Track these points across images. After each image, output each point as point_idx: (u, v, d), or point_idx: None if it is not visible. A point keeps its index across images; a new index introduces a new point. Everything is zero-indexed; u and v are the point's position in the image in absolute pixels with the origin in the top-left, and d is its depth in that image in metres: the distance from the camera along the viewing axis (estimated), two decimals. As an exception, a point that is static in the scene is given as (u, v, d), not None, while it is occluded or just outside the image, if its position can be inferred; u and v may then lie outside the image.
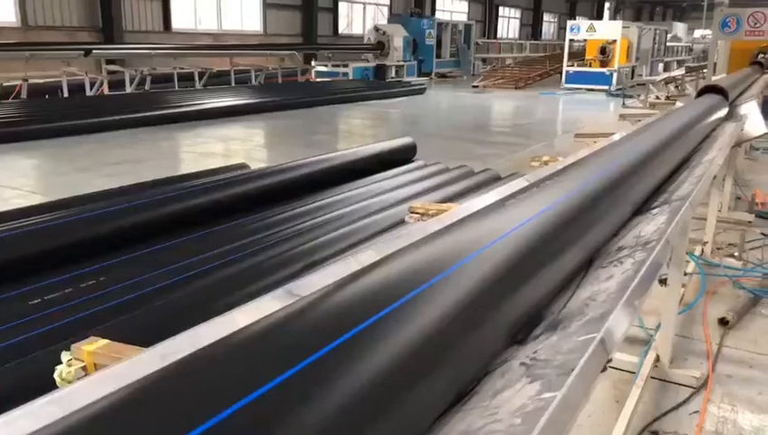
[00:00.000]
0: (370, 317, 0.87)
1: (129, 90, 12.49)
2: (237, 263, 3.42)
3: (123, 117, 10.10)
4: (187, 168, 7.15)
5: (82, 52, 12.46)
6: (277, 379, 0.73)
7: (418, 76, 22.06)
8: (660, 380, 2.84)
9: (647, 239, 1.53)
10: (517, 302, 1.14)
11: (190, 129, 10.31)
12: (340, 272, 1.21)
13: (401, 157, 5.79)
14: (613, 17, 40.72)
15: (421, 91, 17.69)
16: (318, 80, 18.62)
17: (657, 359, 2.86)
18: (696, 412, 2.63)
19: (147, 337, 2.31)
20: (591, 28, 20.90)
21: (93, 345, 1.75)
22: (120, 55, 14.38)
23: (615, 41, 20.21)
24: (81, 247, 3.22)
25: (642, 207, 2.02)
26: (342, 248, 3.64)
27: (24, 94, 10.94)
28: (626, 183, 1.95)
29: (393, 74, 21.07)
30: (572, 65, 20.87)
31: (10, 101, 10.60)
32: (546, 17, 40.88)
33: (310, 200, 4.61)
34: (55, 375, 1.72)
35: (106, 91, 12.29)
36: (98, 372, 0.91)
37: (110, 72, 12.91)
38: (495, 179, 5.32)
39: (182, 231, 3.84)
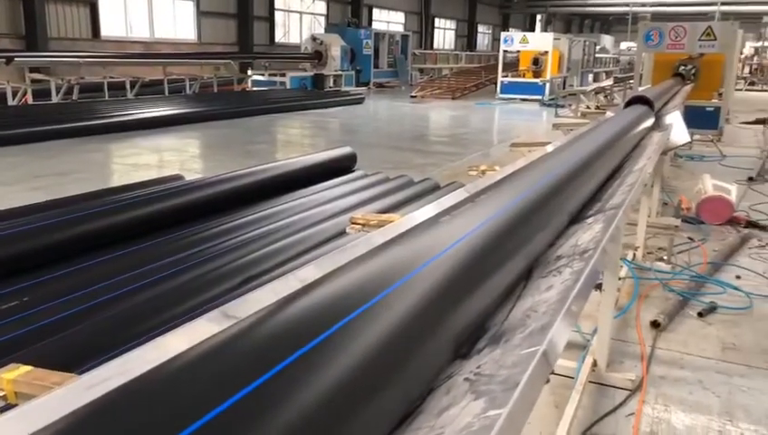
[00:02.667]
0: (312, 339, 0.84)
1: (55, 99, 11.97)
2: (172, 279, 3.31)
3: (49, 128, 9.68)
4: (118, 180, 6.91)
5: (4, 60, 11.87)
6: (215, 410, 0.69)
7: (357, 86, 22.12)
8: (598, 383, 2.91)
9: (584, 248, 1.56)
10: (461, 315, 1.13)
11: (122, 140, 9.98)
12: (280, 290, 1.18)
13: (341, 166, 5.77)
14: (544, 29, 42.01)
15: (360, 101, 17.73)
16: (255, 89, 18.40)
17: (595, 363, 2.92)
18: (631, 414, 2.70)
19: (73, 361, 2.20)
20: (524, 40, 21.48)
21: (14, 373, 1.64)
22: (44, 63, 13.77)
23: (547, 52, 20.83)
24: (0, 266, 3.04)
25: (578, 216, 2.07)
26: (282, 261, 3.58)
27: (-61, 104, 10.35)
28: (562, 193, 1.99)
29: (331, 84, 21.05)
30: (507, 76, 21.37)
31: (-76, 111, 10.00)
32: (480, 29, 41.80)
33: (247, 212, 4.52)
34: (-29, 406, 1.61)
35: (30, 101, 11.74)
36: (22, 405, 0.83)
37: (34, 81, 12.34)
38: (435, 189, 5.37)
39: (112, 247, 3.69)
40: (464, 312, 1.15)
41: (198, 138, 11.02)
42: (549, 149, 3.44)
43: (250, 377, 0.77)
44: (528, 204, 1.70)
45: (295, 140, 12.00)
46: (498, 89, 21.24)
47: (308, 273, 1.25)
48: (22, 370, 1.64)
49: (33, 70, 12.94)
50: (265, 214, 4.50)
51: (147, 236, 3.93)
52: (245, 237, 4.03)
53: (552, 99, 18.85)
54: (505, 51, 21.97)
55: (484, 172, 4.89)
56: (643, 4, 35.11)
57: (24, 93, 11.66)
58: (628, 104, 5.01)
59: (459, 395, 0.92)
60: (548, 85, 20.36)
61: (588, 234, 1.72)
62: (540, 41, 21.68)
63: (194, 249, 3.78)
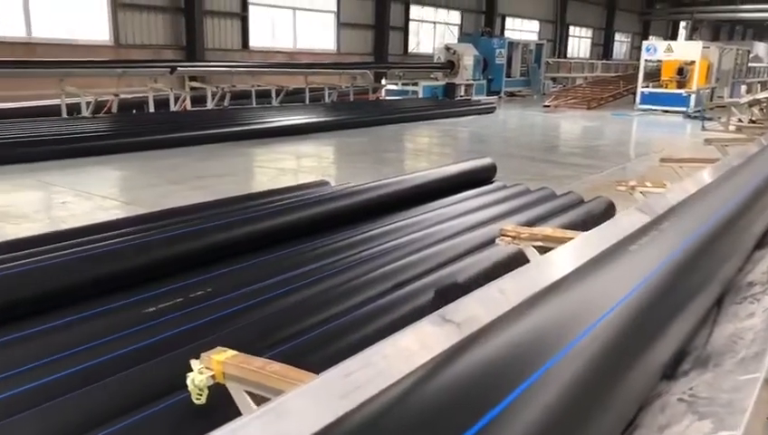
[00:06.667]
0: (541, 364, 0.91)
1: (209, 106, 13.00)
2: (328, 279, 3.49)
3: (204, 132, 10.51)
4: (267, 183, 7.39)
5: (169, 69, 13.10)
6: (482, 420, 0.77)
7: (487, 95, 22.02)
8: None
9: (780, 276, 1.51)
10: (663, 339, 1.16)
11: (266, 145, 10.63)
12: (485, 300, 1.26)
13: (481, 177, 5.82)
14: (689, 37, 39.49)
15: (491, 111, 17.65)
16: (388, 98, 18.86)
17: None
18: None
19: (258, 347, 2.42)
20: (669, 49, 20.36)
21: (222, 356, 1.86)
22: (202, 72, 15.01)
23: (694, 61, 19.61)
24: (185, 260, 3.39)
25: (762, 241, 1.99)
26: (431, 268, 3.66)
27: (114, 109, 11.58)
28: (745, 216, 1.93)
29: (462, 93, 21.10)
30: (647, 86, 20.36)
31: (102, 115, 11.23)
32: (618, 37, 40.07)
33: (393, 220, 4.68)
34: (188, 381, 1.85)
35: (188, 107, 12.83)
36: (285, 395, 0.97)
37: (192, 89, 13.49)
38: (579, 203, 5.26)
39: (272, 247, 3.96)
40: (666, 336, 1.18)
41: (335, 145, 11.49)
42: (710, 168, 3.29)
43: (498, 391, 0.85)
44: (715, 229, 1.67)
45: (426, 149, 12.18)
46: (637, 99, 20.30)
47: (507, 284, 1.33)
48: (229, 353, 1.86)
49: (191, 78, 14.15)
50: (410, 222, 4.64)
51: (300, 239, 4.18)
52: (391, 245, 4.17)
53: (698, 111, 17.70)
54: (646, 60, 20.93)
55: (633, 188, 4.73)
56: (807, 9, 32.05)
57: (184, 100, 12.77)
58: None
59: (677, 414, 0.95)
60: (694, 96, 19.16)
61: (780, 261, 1.67)
62: (686, 49, 20.44)
63: (344, 254, 3.95)
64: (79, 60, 12.69)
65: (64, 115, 10.96)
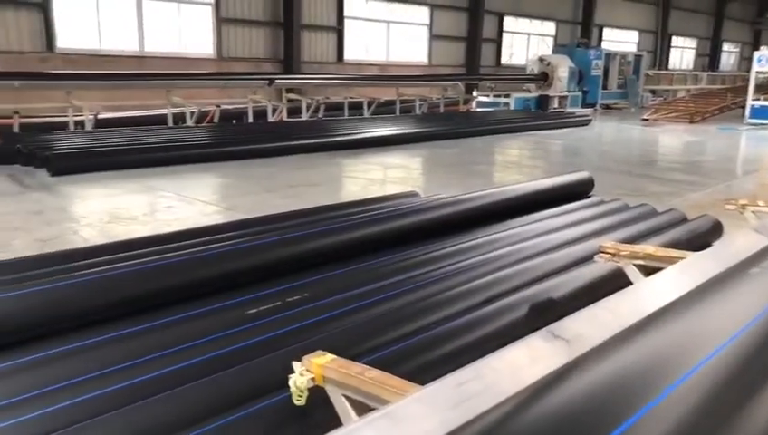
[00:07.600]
0: (661, 389, 0.87)
1: (304, 117, 13.40)
2: (416, 291, 3.47)
3: (299, 142, 10.83)
4: (357, 192, 7.50)
5: (267, 81, 13.64)
6: None
7: (582, 107, 21.44)
8: None
9: None
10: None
11: (357, 155, 10.79)
12: (591, 319, 1.22)
13: (577, 191, 5.65)
14: (806, 46, 36.80)
15: (586, 123, 17.14)
16: (478, 110, 18.74)
17: None
18: None
19: (349, 353, 2.45)
20: (783, 59, 19.08)
21: (322, 359, 1.90)
22: (298, 85, 15.52)
23: (811, 72, 18.27)
24: (283, 265, 3.49)
25: None
26: (524, 283, 3.58)
27: (216, 119, 12.16)
28: None
29: (556, 105, 20.65)
30: (758, 99, 19.13)
31: (204, 124, 11.83)
32: (726, 47, 37.96)
33: (483, 233, 4.61)
34: (290, 383, 1.90)
35: (285, 118, 13.28)
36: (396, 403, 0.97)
37: (289, 101, 13.97)
38: (682, 221, 5.01)
39: (362, 257, 3.98)
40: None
41: (425, 156, 11.50)
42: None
43: (608, 421, 0.82)
44: None
45: (517, 162, 11.97)
46: (747, 113, 19.11)
47: (616, 305, 1.28)
48: (328, 357, 1.90)
49: (288, 90, 14.66)
50: (501, 236, 4.56)
51: (390, 249, 4.19)
52: (482, 258, 4.10)
53: (816, 126, 16.45)
54: (758, 71, 19.68)
55: (744, 207, 4.46)
56: None
57: (281, 111, 13.24)
58: None
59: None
60: (811, 110, 17.83)
61: None
62: (803, 60, 19.08)
63: (433, 266, 3.92)
64: (184, 72, 13.46)
65: (170, 124, 11.63)
